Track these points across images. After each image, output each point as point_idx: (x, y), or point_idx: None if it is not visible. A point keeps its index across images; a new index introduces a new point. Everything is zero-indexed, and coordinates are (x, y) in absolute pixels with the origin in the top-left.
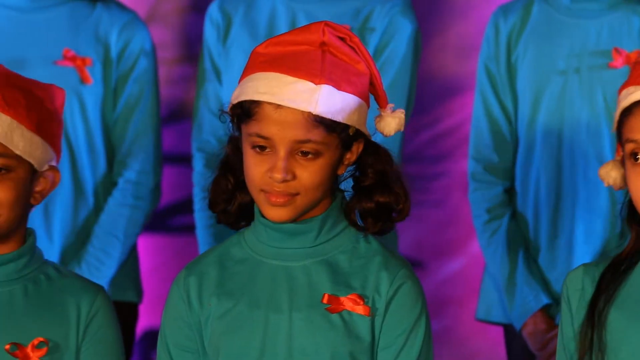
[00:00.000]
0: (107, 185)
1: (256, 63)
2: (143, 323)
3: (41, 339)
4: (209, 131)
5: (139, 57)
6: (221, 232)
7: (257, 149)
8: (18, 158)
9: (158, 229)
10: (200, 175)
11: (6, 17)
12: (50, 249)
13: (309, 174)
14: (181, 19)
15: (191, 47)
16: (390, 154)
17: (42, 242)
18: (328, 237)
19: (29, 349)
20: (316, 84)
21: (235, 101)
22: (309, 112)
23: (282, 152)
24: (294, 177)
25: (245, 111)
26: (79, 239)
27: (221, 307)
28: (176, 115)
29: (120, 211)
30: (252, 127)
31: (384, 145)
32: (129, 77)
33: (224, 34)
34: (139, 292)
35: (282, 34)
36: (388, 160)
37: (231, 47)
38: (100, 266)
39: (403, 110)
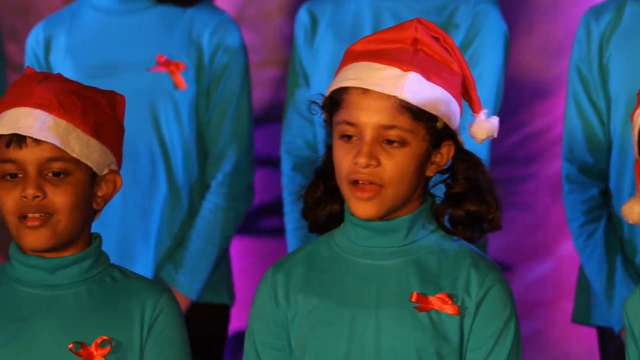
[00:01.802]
0: (201, 189)
1: (348, 58)
2: (233, 324)
3: (105, 337)
4: (297, 134)
5: (231, 59)
6: (310, 234)
7: (345, 138)
8: (76, 161)
9: (246, 231)
10: (289, 179)
11: (98, 20)
12: (147, 253)
13: (393, 163)
14: (268, 22)
15: (277, 50)
16: (482, 161)
17: (138, 246)
18: (418, 237)
19: (92, 348)
20: (404, 70)
21: (326, 94)
22: (395, 97)
23: (367, 137)
24: (379, 163)
25: (334, 100)
26: (175, 243)
27: (308, 305)
28: (263, 118)
29: (213, 214)
30: (340, 115)
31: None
32: (221, 79)
33: (311, 36)
34: (231, 295)
35: (375, 33)
36: (480, 168)
37: (318, 49)
38: (196, 270)
39: (497, 118)
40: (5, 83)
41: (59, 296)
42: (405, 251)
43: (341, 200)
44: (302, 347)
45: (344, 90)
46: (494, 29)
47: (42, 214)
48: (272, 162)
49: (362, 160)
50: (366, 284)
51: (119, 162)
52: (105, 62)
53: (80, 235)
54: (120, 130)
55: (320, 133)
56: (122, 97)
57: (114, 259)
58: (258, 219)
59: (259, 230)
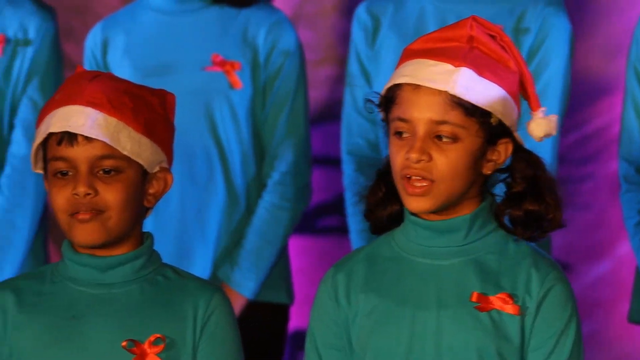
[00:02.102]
0: (258, 188)
1: (405, 57)
2: (291, 324)
3: (158, 335)
4: (358, 134)
5: (286, 58)
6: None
7: (398, 135)
8: (127, 159)
9: (305, 231)
10: (352, 180)
11: (154, 21)
12: (204, 252)
13: (445, 158)
14: (325, 21)
15: (335, 49)
16: (541, 160)
17: (196, 246)
18: (477, 237)
19: (145, 346)
20: (456, 66)
21: (382, 93)
22: (447, 93)
23: (419, 132)
24: (430, 159)
25: (389, 98)
26: (232, 242)
27: (368, 305)
28: (321, 117)
29: (270, 213)
30: (394, 112)
31: (535, 152)
32: (277, 78)
33: (373, 36)
34: (290, 294)
35: (432, 32)
36: (539, 167)
37: (380, 49)
38: (252, 269)
39: (556, 115)
40: (62, 82)
41: (112, 295)
42: (465, 251)
43: (401, 201)
44: (363, 347)
45: (397, 87)
46: (561, 31)
47: (93, 211)
48: (330, 161)
49: (414, 156)
50: (426, 284)
51: (170, 160)
52: (161, 61)
53: (132, 233)
54: (171, 129)
55: (382, 133)
56: (173, 96)
57: (171, 259)
58: (317, 218)
59: (318, 229)
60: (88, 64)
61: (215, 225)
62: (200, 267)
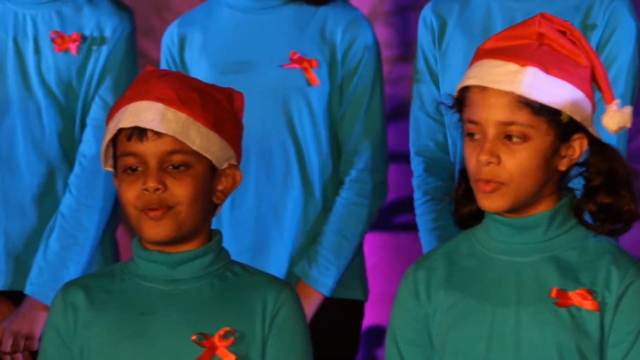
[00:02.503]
0: (334, 185)
1: (476, 57)
2: (367, 320)
3: (228, 329)
4: (426, 135)
5: (363, 55)
6: (445, 234)
7: (470, 137)
8: (196, 155)
9: (381, 227)
10: (421, 180)
11: (232, 18)
12: (281, 250)
13: (514, 159)
14: (402, 18)
15: (412, 46)
16: (618, 153)
17: (273, 243)
18: (557, 233)
19: (215, 339)
20: (522, 65)
21: (455, 95)
22: (513, 93)
23: (488, 134)
24: (499, 161)
25: (458, 100)
26: (309, 239)
27: (448, 301)
28: (398, 114)
29: (347, 210)
30: (465, 114)
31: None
32: (354, 75)
33: (440, 37)
34: (365, 290)
35: (502, 30)
36: (615, 160)
37: (447, 49)
38: (329, 265)
39: (630, 107)
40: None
41: (181, 290)
42: (545, 247)
43: None
44: (442, 343)
45: (466, 89)
46: (628, 26)
47: (162, 207)
48: (407, 158)
49: (483, 158)
50: (506, 281)
51: (238, 157)
52: (239, 59)
53: (201, 230)
54: (239, 126)
55: (451, 133)
56: (241, 94)
57: (248, 256)
58: (392, 215)
59: (394, 225)
60: (165, 62)
61: (292, 222)
62: (277, 264)
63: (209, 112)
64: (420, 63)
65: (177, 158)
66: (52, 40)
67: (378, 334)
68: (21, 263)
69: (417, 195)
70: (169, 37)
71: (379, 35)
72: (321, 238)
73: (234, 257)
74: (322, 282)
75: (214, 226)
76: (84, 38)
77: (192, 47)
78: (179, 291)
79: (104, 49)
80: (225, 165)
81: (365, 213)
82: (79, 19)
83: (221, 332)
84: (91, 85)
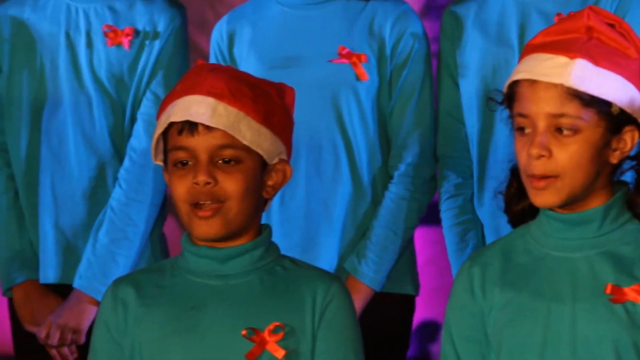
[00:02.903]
0: (384, 179)
1: (524, 53)
2: (418, 315)
3: (277, 323)
4: (450, 135)
5: (412, 49)
6: (466, 230)
7: (520, 131)
8: (246, 149)
9: (432, 221)
10: (444, 177)
11: (281, 14)
12: (331, 244)
13: (566, 152)
14: None
15: None
16: None
17: (322, 238)
18: (611, 228)
19: (265, 334)
20: (571, 58)
21: (504, 90)
22: (562, 85)
23: (539, 127)
24: (550, 154)
25: (509, 95)
26: (359, 234)
27: (504, 298)
28: None
29: (396, 205)
30: (515, 108)
31: None
32: (403, 70)
33: (458, 37)
34: (416, 285)
35: (551, 25)
36: None
37: (465, 48)
38: (378, 260)
39: None
40: None
41: (231, 285)
42: (599, 242)
43: None
44: (498, 340)
45: (515, 83)
46: (638, 12)
47: (213, 202)
48: None
49: (534, 151)
50: (560, 277)
51: (289, 152)
52: (287, 54)
53: (251, 225)
54: (290, 121)
55: (471, 132)
56: (292, 89)
57: (298, 251)
58: None
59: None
60: (214, 58)
61: (342, 217)
62: (326, 258)
63: (260, 107)
64: (443, 66)
65: (228, 152)
66: (105, 34)
67: (432, 329)
68: (71, 257)
69: (441, 191)
70: (218, 32)
71: (432, 29)
72: (370, 233)
73: (284, 252)
74: (371, 277)
75: (263, 222)
76: (136, 32)
77: (241, 43)
78: (228, 286)
79: (157, 44)
80: (275, 160)
81: (415, 207)
82: (132, 14)
83: (271, 326)
84: (142, 80)
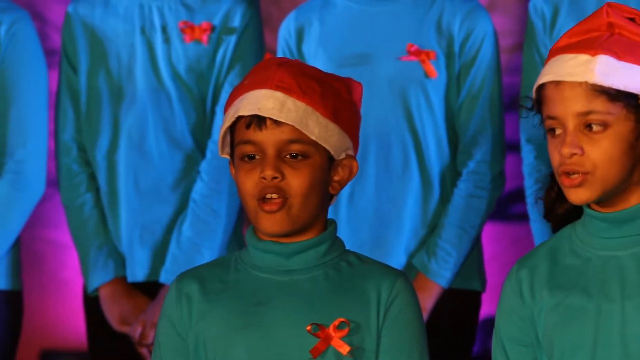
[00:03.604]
0: (453, 176)
1: (549, 56)
2: (482, 311)
3: (342, 319)
4: (537, 122)
5: (481, 46)
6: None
7: (551, 133)
8: (314, 144)
9: (497, 217)
10: (532, 167)
11: (349, 10)
12: (400, 241)
13: (598, 149)
14: (522, 7)
15: None
16: None
17: (392, 235)
18: None
19: (330, 330)
20: (593, 55)
21: (532, 95)
22: (586, 83)
23: (569, 127)
24: (582, 152)
25: (536, 100)
26: (428, 230)
27: (553, 299)
28: (516, 103)
29: (465, 202)
30: (544, 112)
31: None
32: (472, 67)
33: (551, 25)
34: (483, 281)
35: (573, 27)
36: None
37: (559, 36)
38: (448, 258)
39: None
40: None
41: (296, 281)
42: None
43: None
44: (549, 342)
45: (541, 87)
46: None
47: (279, 197)
48: None
49: (566, 150)
50: (609, 276)
51: (356, 148)
52: (356, 51)
53: (317, 220)
54: (358, 117)
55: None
56: (360, 85)
57: (366, 249)
58: (509, 205)
59: (510, 215)
60: (282, 54)
61: (411, 214)
62: (395, 255)
63: (328, 102)
64: (533, 53)
65: (296, 147)
66: (182, 30)
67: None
68: (158, 253)
69: (528, 183)
70: (286, 29)
71: (499, 24)
72: (440, 230)
73: (353, 250)
74: (441, 275)
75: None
76: (213, 27)
77: (310, 39)
78: (293, 281)
79: (233, 38)
80: (342, 156)
81: (484, 204)
82: (207, 9)
83: (336, 322)
84: (221, 74)
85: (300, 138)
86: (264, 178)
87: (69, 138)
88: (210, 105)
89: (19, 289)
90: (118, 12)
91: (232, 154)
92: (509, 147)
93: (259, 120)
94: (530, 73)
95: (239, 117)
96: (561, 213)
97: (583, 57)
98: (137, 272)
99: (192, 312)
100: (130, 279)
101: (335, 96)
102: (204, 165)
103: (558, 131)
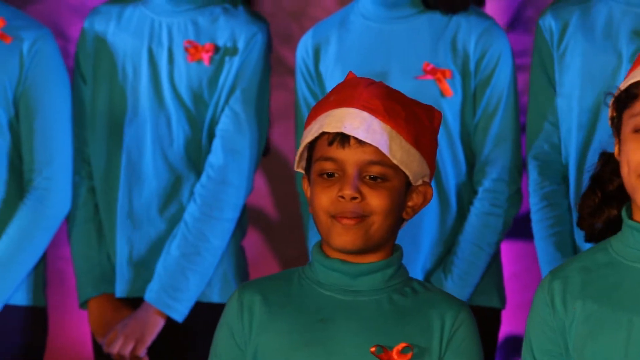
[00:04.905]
0: (469, 193)
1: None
2: (504, 329)
3: (406, 344)
4: (544, 138)
5: (497, 65)
6: (562, 241)
7: (638, 132)
8: (394, 168)
9: (519, 235)
10: (536, 184)
11: (366, 28)
12: (417, 259)
13: None
14: None
15: None
16: None
17: (408, 253)
18: None
19: (394, 353)
20: None
21: (623, 87)
22: None
23: None
24: None
25: (629, 94)
26: (446, 248)
27: (585, 311)
28: None
29: (481, 220)
30: (637, 107)
31: None
32: (487, 86)
33: (559, 39)
34: (502, 298)
35: None
36: None
37: (566, 52)
38: (464, 276)
39: None
40: (267, 95)
41: (360, 302)
42: None
43: (619, 206)
44: (580, 353)
45: (636, 85)
46: None
47: (357, 217)
48: None
49: None
50: None
51: (432, 175)
52: (373, 70)
53: (386, 243)
54: (436, 145)
55: (566, 137)
56: (440, 112)
57: None
58: (530, 223)
59: (532, 234)
60: (299, 73)
61: (427, 232)
62: (412, 273)
63: (412, 127)
64: (539, 69)
65: (376, 169)
66: (186, 49)
67: (516, 343)
68: (144, 271)
69: (533, 200)
70: (304, 47)
71: (521, 41)
72: (456, 248)
73: None
74: (457, 293)
75: None
76: (217, 48)
77: (327, 58)
78: (357, 302)
79: (236, 60)
80: (419, 182)
81: (500, 223)
82: (214, 29)
83: (400, 346)
84: (221, 96)
85: (382, 160)
86: (343, 197)
87: (73, 149)
88: (208, 127)
89: (44, 306)
90: (130, 28)
91: (307, 169)
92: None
93: (342, 139)
94: (538, 88)
95: (322, 133)
96: (601, 221)
97: None
98: (123, 287)
99: (253, 324)
100: (117, 294)
101: (418, 122)
102: (198, 188)
103: None
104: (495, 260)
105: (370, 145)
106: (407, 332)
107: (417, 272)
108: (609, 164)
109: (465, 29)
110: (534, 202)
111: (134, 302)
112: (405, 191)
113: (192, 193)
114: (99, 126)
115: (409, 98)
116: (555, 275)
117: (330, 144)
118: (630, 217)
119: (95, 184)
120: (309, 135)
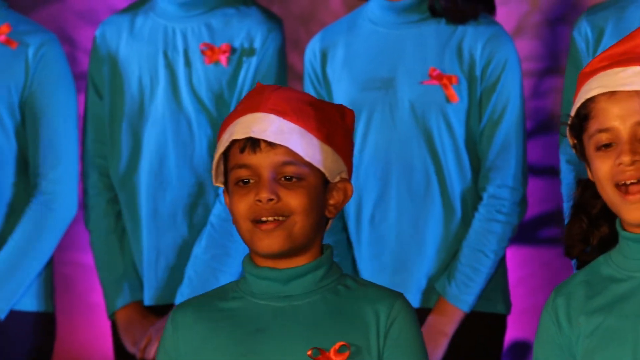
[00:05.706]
0: (473, 199)
1: (583, 80)
2: (510, 334)
3: (343, 343)
4: None
5: (502, 71)
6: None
7: (603, 148)
8: (309, 166)
9: (525, 241)
10: (571, 189)
11: (373, 33)
12: (421, 265)
13: None
14: (550, 31)
15: (560, 59)
16: None
17: (413, 259)
18: None
19: (331, 354)
20: None
21: (572, 114)
22: None
23: (624, 137)
24: None
25: (582, 116)
26: (450, 255)
27: (590, 325)
28: (544, 127)
29: (486, 227)
30: (592, 127)
31: None
32: (493, 91)
33: (595, 45)
34: (507, 304)
35: (602, 52)
36: None
37: None
38: (468, 282)
39: None
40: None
41: (294, 307)
42: None
43: (609, 223)
44: None
45: (590, 101)
46: None
47: (276, 218)
48: (553, 172)
49: (626, 159)
50: None
51: (350, 171)
52: (380, 75)
53: (313, 243)
54: (351, 142)
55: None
56: (351, 111)
57: (388, 273)
58: (538, 229)
59: (539, 239)
60: (307, 77)
61: (432, 238)
62: (417, 279)
63: (322, 125)
64: (572, 76)
65: (290, 169)
66: (202, 52)
67: (522, 349)
68: (172, 277)
69: (566, 205)
70: (311, 51)
71: (527, 48)
72: (460, 254)
73: (374, 273)
74: (461, 299)
75: (354, 243)
76: (233, 49)
77: (334, 62)
78: (292, 307)
79: (254, 60)
80: (337, 179)
81: (504, 229)
82: (229, 30)
83: (336, 346)
84: (241, 96)
85: (295, 160)
86: (260, 201)
87: (89, 163)
88: None
89: (52, 311)
90: (143, 36)
91: (226, 182)
92: (536, 171)
93: (253, 144)
94: (572, 95)
95: (233, 142)
96: (595, 243)
97: (635, 69)
98: (152, 295)
99: (188, 344)
100: (146, 302)
101: (328, 120)
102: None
103: (612, 145)
104: (500, 266)
105: (281, 146)
106: (343, 331)
107: (421, 278)
108: (588, 189)
109: (472, 35)
110: (567, 207)
111: (161, 310)
112: (323, 189)
113: (217, 195)
114: (117, 136)
115: (317, 99)
116: (559, 292)
117: (242, 150)
118: (624, 229)
119: (118, 193)
120: (221, 146)
